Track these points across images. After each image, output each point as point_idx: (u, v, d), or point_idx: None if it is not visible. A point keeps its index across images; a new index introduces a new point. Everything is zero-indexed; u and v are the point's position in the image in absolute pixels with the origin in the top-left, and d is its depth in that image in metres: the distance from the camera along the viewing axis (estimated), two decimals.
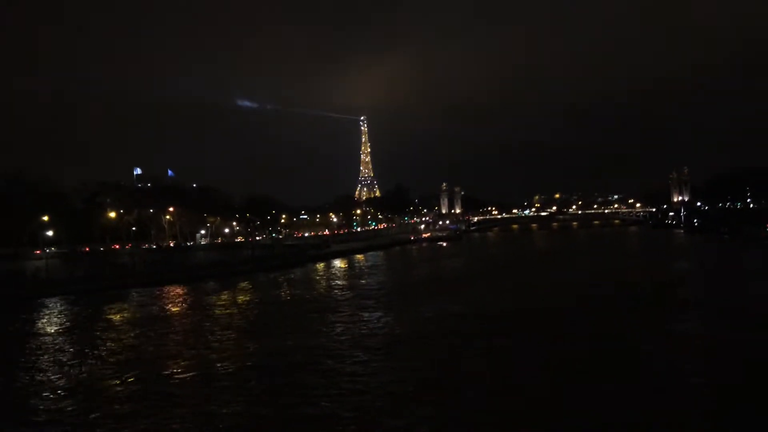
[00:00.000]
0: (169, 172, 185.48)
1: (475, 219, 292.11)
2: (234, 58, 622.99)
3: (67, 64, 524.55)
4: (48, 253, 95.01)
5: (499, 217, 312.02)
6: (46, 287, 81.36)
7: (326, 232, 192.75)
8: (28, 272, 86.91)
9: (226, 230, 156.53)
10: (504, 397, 29.32)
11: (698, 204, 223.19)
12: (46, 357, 42.85)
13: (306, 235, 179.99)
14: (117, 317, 60.48)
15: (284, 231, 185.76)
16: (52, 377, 37.00)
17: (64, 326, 56.30)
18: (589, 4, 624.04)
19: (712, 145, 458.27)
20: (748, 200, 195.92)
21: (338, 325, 50.38)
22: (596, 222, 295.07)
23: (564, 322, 47.37)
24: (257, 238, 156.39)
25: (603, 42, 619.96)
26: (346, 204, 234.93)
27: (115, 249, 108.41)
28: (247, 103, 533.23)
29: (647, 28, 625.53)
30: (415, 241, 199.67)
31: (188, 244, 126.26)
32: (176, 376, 35.72)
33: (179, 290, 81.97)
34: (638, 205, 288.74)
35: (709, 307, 52.37)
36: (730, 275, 76.38)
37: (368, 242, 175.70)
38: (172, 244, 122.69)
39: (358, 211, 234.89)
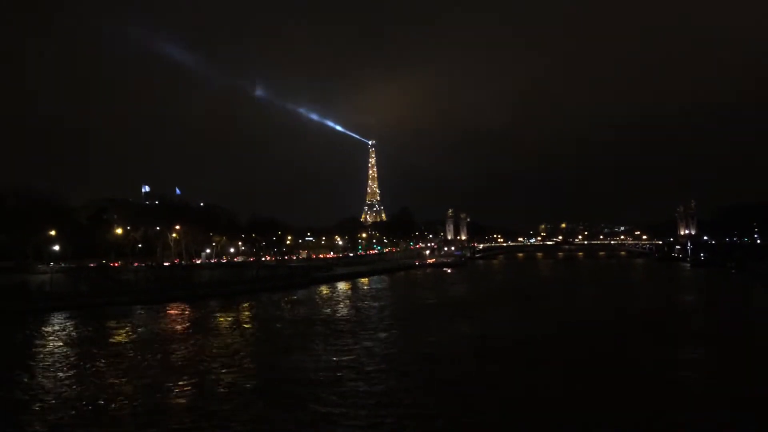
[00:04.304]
0: (177, 190, 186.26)
1: (481, 246, 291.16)
2: (238, 65, 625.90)
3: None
4: (52, 267, 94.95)
5: (504, 244, 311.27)
6: (50, 301, 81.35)
7: (331, 254, 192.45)
8: (33, 286, 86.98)
9: (232, 250, 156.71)
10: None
11: (705, 238, 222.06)
12: (52, 371, 42.64)
13: (312, 256, 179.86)
14: (120, 334, 60.21)
15: (300, 252, 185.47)
16: (52, 391, 36.80)
17: (67, 342, 56.03)
18: (599, 37, 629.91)
19: (721, 179, 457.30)
20: (755, 235, 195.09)
21: (341, 346, 50.06)
22: (602, 253, 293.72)
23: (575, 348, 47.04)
24: (263, 258, 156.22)
25: (614, 74, 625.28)
26: (351, 227, 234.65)
27: (119, 265, 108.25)
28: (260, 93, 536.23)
29: (659, 60, 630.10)
30: (419, 266, 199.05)
31: (184, 263, 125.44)
32: (186, 392, 35.46)
33: (182, 308, 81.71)
34: (644, 237, 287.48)
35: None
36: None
37: (373, 266, 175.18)
38: (177, 261, 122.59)
39: (364, 235, 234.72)
